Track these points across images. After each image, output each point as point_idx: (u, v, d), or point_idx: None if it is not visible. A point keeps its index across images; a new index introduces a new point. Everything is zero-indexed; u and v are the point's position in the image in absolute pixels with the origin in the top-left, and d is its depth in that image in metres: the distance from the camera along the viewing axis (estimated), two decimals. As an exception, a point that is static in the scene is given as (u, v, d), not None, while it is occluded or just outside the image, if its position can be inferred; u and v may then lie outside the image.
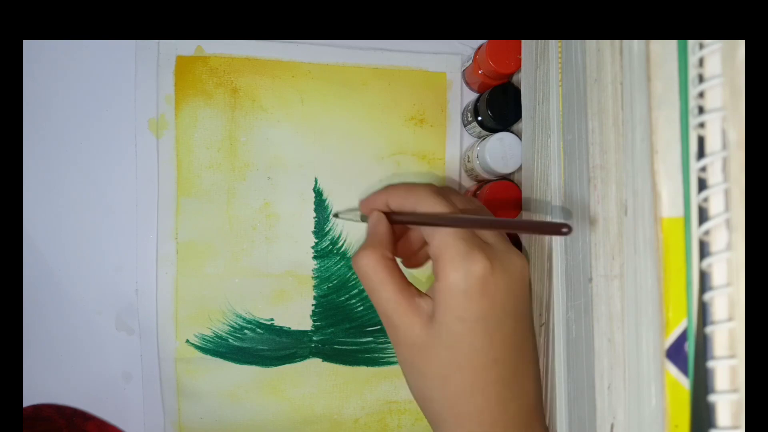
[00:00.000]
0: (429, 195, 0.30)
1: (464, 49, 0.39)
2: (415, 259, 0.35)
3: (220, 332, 0.38)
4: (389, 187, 0.33)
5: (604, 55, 0.25)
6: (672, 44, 0.22)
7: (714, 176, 0.21)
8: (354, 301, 0.39)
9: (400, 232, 0.34)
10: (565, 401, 0.29)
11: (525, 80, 0.34)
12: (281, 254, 0.38)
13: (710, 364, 0.21)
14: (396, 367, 0.40)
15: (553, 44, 0.30)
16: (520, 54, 0.34)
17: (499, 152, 0.35)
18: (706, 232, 0.21)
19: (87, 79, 0.37)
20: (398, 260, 0.33)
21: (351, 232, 0.39)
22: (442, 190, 0.32)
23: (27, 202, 0.36)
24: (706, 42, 0.21)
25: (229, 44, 0.37)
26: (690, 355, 0.21)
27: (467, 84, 0.39)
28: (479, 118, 0.37)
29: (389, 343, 0.39)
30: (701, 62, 0.21)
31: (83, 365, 0.38)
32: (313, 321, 0.39)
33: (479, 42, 0.38)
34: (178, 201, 0.37)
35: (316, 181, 0.39)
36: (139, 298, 0.37)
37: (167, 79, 0.37)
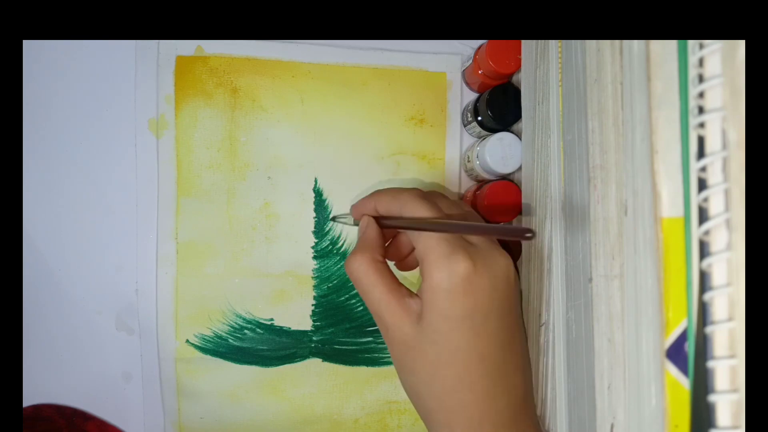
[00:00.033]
0: (413, 199, 0.31)
1: (464, 49, 0.39)
2: (406, 262, 0.36)
3: (220, 332, 0.38)
4: (377, 193, 0.34)
5: (604, 55, 0.25)
6: (672, 44, 0.22)
7: (714, 176, 0.21)
8: (354, 301, 0.39)
9: (390, 235, 0.34)
10: (565, 401, 0.29)
11: (525, 80, 0.34)
12: (281, 254, 0.38)
13: (710, 364, 0.21)
14: (396, 367, 0.40)
15: (553, 44, 0.30)
16: (520, 54, 0.34)
17: (499, 152, 0.35)
18: (706, 232, 0.21)
19: (87, 79, 0.37)
20: (391, 264, 0.33)
21: (351, 233, 0.39)
22: (428, 194, 0.32)
23: (27, 202, 0.36)
24: (706, 42, 0.21)
25: (229, 44, 0.37)
26: (690, 355, 0.21)
27: (467, 84, 0.39)
28: (479, 118, 0.37)
29: (389, 343, 0.39)
30: (701, 62, 0.21)
31: (83, 365, 0.38)
32: (313, 321, 0.39)
33: (479, 42, 0.38)
34: (178, 201, 0.37)
35: (316, 181, 0.39)
36: (139, 298, 0.37)
37: (167, 79, 0.37)
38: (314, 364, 0.39)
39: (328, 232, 0.39)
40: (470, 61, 0.37)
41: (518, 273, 0.33)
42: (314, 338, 0.39)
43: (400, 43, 0.39)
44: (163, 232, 0.37)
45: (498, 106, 0.36)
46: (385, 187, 0.35)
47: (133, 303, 0.38)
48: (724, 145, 0.21)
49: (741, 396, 0.20)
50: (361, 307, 0.39)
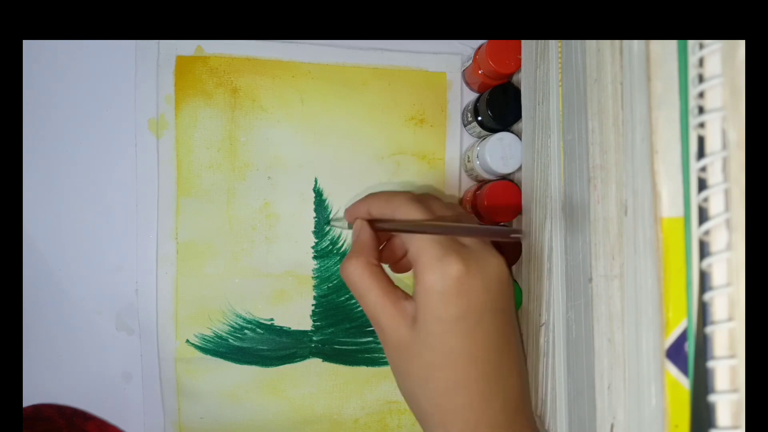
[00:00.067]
0: (405, 202, 0.31)
1: (464, 49, 0.39)
2: (401, 264, 0.36)
3: (220, 332, 0.38)
4: (370, 196, 0.34)
5: (604, 55, 0.25)
6: (672, 44, 0.22)
7: (714, 176, 0.21)
8: (354, 301, 0.39)
9: (384, 237, 0.35)
10: (565, 401, 0.29)
11: (525, 80, 0.34)
12: (281, 254, 0.38)
13: (710, 364, 0.21)
14: (396, 367, 0.40)
15: (553, 44, 0.30)
16: (520, 54, 0.34)
17: (499, 152, 0.35)
18: (706, 232, 0.21)
19: (87, 79, 0.37)
20: (386, 266, 0.33)
21: (351, 233, 0.39)
22: (421, 196, 0.33)
23: (27, 202, 0.36)
24: (706, 42, 0.21)
25: (229, 44, 0.37)
26: (690, 355, 0.21)
27: (467, 84, 0.39)
28: (479, 118, 0.37)
29: (389, 343, 0.39)
30: (701, 62, 0.21)
31: (83, 365, 0.38)
32: (313, 321, 0.39)
33: (479, 42, 0.38)
34: (178, 201, 0.37)
35: (316, 181, 0.39)
36: (139, 298, 0.37)
37: (167, 79, 0.37)
38: (314, 364, 0.39)
39: (328, 232, 0.39)
40: (470, 61, 0.37)
41: (512, 274, 0.33)
42: (314, 338, 0.39)
43: (400, 43, 0.39)
44: (163, 232, 0.37)
45: (498, 106, 0.36)
46: (383, 188, 0.35)
47: (133, 303, 0.38)
48: (724, 145, 0.21)
49: (741, 396, 0.20)
50: (361, 307, 0.39)
